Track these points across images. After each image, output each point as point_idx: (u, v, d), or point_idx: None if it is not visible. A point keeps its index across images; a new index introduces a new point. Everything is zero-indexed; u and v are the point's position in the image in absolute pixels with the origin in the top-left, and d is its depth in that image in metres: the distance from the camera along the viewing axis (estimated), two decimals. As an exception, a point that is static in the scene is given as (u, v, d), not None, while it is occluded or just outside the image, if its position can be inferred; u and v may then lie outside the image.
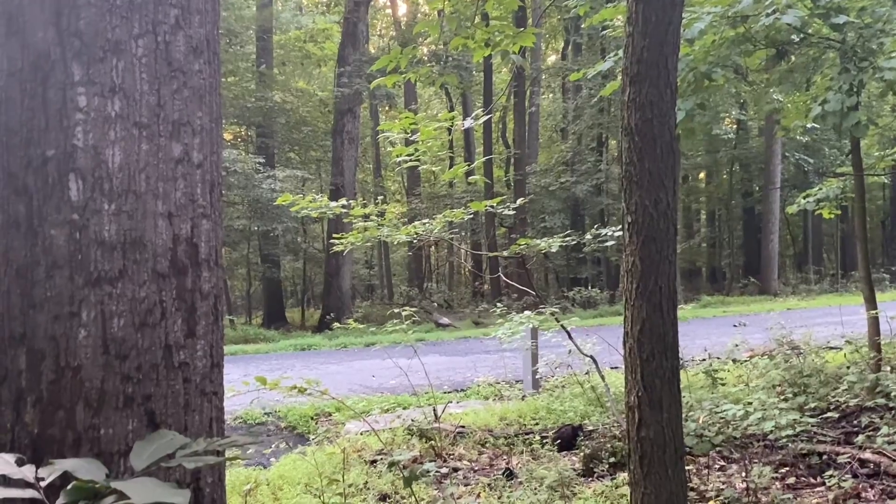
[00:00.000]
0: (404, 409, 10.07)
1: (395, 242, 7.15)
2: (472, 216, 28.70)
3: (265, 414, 10.89)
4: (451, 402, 10.84)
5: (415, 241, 7.34)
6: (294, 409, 10.67)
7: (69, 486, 1.73)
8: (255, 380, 4.10)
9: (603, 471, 6.41)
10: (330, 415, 10.84)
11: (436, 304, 28.77)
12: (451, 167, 37.85)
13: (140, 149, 2.14)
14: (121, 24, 2.16)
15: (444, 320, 23.95)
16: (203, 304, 2.25)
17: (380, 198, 7.88)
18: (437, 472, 3.84)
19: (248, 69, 28.25)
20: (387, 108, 36.80)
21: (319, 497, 4.48)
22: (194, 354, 2.23)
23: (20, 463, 1.76)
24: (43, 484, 1.71)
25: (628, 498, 3.23)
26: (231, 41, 27.19)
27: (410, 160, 5.97)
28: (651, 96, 2.89)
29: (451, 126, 6.05)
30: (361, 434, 8.77)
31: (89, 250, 2.11)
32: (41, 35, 2.15)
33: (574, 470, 6.37)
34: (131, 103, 2.14)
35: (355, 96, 24.40)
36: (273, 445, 7.38)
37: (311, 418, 10.63)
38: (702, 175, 42.53)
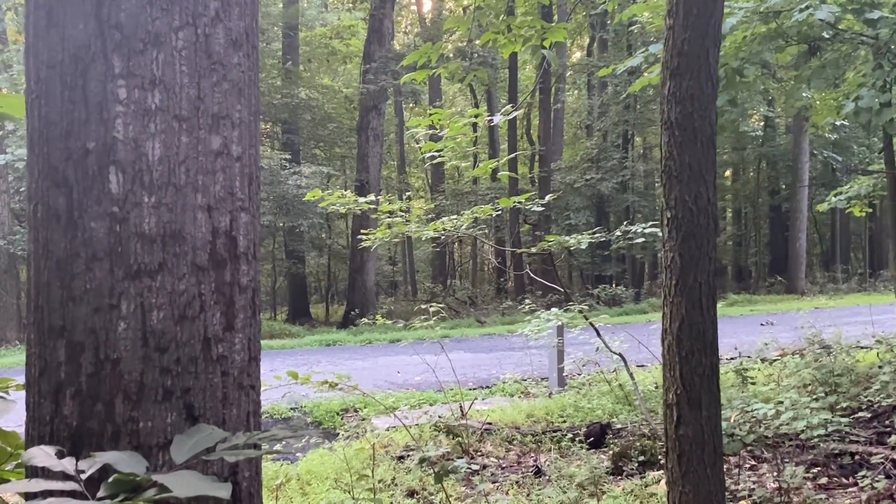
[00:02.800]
0: (431, 405, 10.09)
1: (422, 239, 7.13)
2: (497, 213, 28.69)
3: (291, 409, 10.94)
4: (477, 398, 10.82)
5: (441, 237, 7.32)
6: (321, 404, 10.71)
7: (110, 479, 1.72)
8: (287, 374, 4.10)
9: (632, 469, 6.36)
10: (357, 410, 10.87)
11: (459, 300, 28.75)
12: (475, 164, 37.90)
13: (180, 141, 2.13)
14: (161, 16, 2.15)
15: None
16: (241, 298, 2.24)
17: (407, 194, 7.84)
18: (466, 468, 3.82)
19: (274, 66, 28.37)
20: (411, 105, 36.79)
21: (349, 493, 4.47)
22: (232, 348, 2.21)
23: (60, 455, 1.76)
24: (83, 476, 1.70)
25: (661, 496, 3.20)
26: (258, 38, 27.28)
27: (439, 156, 5.95)
28: (692, 90, 2.85)
29: (478, 122, 6.01)
30: (388, 430, 8.78)
31: (129, 243, 2.10)
32: (81, 27, 2.15)
33: (603, 468, 6.33)
34: (171, 96, 2.13)
35: (381, 93, 24.42)
36: (302, 441, 7.39)
37: (338, 414, 10.67)
38: (728, 172, 42.18)
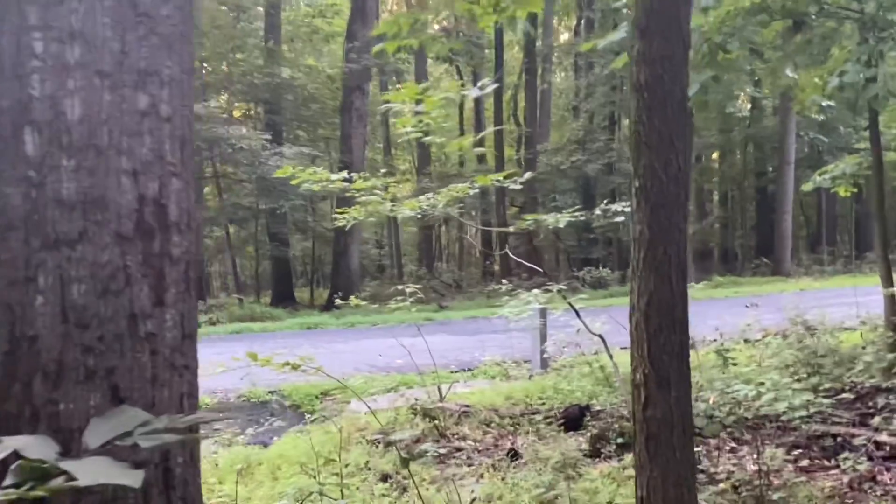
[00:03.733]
0: (409, 388, 9.95)
1: (400, 219, 6.96)
2: (481, 195, 28.36)
3: (269, 392, 10.78)
4: (459, 381, 10.70)
5: (420, 218, 7.15)
6: (299, 387, 10.57)
7: (13, 466, 1.56)
8: (246, 355, 3.94)
9: (610, 451, 6.25)
10: (335, 394, 10.73)
11: (444, 283, 28.63)
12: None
13: (102, 100, 1.96)
14: (80, -38, 1.98)
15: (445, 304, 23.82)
16: (173, 271, 2.08)
17: (381, 171, 7.67)
18: (439, 451, 3.69)
19: (255, 45, 28.00)
20: (397, 85, 36.46)
21: (315, 478, 4.34)
22: (163, 325, 2.05)
23: (-34, 440, 1.60)
24: (-7, 463, 1.55)
25: (634, 480, 3.07)
26: (239, 16, 26.94)
27: (415, 131, 5.77)
28: (662, 50, 2.69)
29: (460, 96, 5.84)
30: (366, 413, 8.65)
31: (46, 210, 1.94)
32: (-7, -24, 1.97)
33: (580, 451, 6.21)
34: (92, 50, 1.96)
35: (364, 73, 24.16)
36: (268, 423, 7.24)
37: (316, 397, 10.53)
38: (715, 155, 42.13)
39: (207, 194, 30.94)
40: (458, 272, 31.73)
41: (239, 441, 7.53)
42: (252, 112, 30.96)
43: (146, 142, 2.01)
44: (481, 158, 36.19)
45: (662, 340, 2.70)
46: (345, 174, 6.53)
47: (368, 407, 5.21)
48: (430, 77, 37.24)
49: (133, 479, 1.51)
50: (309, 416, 9.55)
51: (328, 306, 22.95)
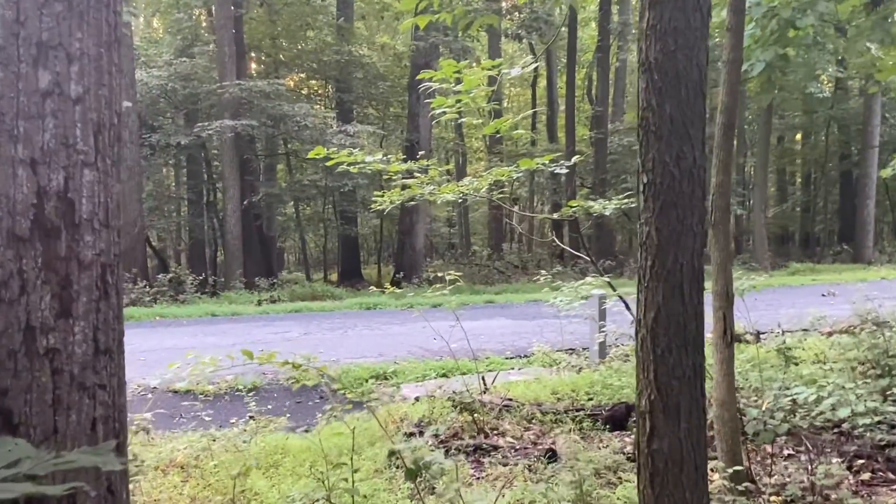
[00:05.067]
0: (463, 374, 9.66)
1: (438, 202, 6.63)
2: (552, 176, 27.78)
3: (319, 375, 10.63)
4: (513, 368, 10.38)
5: (460, 201, 6.81)
6: (349, 371, 10.38)
7: None
8: (241, 353, 3.69)
9: (657, 456, 5.84)
10: (387, 378, 10.52)
11: (510, 264, 28.22)
12: (534, 126, 36.93)
13: (-8, 77, 1.68)
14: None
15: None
16: (84, 276, 1.79)
17: (420, 153, 7.38)
18: (440, 464, 3.39)
19: (327, 23, 27.88)
20: (472, 64, 35.95)
21: (323, 483, 4.07)
22: (69, 339, 1.78)
23: None
24: None
25: None
26: (311, -7, 26.86)
27: (451, 111, 5.42)
28: (675, 21, 2.28)
29: (494, 74, 5.46)
30: (416, 400, 8.41)
31: (-73, 206, 1.67)
32: None
33: (623, 453, 5.82)
34: (-22, 18, 1.68)
35: (432, 50, 23.81)
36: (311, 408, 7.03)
37: (365, 381, 10.32)
38: (798, 136, 40.56)
39: (279, 171, 31.16)
40: (525, 253, 31.20)
41: (280, 423, 7.37)
42: (322, 90, 30.95)
43: (48, 126, 1.73)
44: (553, 137, 35.54)
45: (672, 363, 2.30)
46: (380, 155, 6.22)
47: (371, 401, 4.89)
48: (503, 54, 36.67)
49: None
50: (358, 401, 9.35)
51: (394, 284, 22.85)
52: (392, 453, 3.94)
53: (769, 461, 5.58)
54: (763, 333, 10.87)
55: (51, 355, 1.74)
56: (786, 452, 5.93)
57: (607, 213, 5.66)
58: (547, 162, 5.92)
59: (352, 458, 4.27)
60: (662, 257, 2.28)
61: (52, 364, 1.75)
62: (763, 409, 5.29)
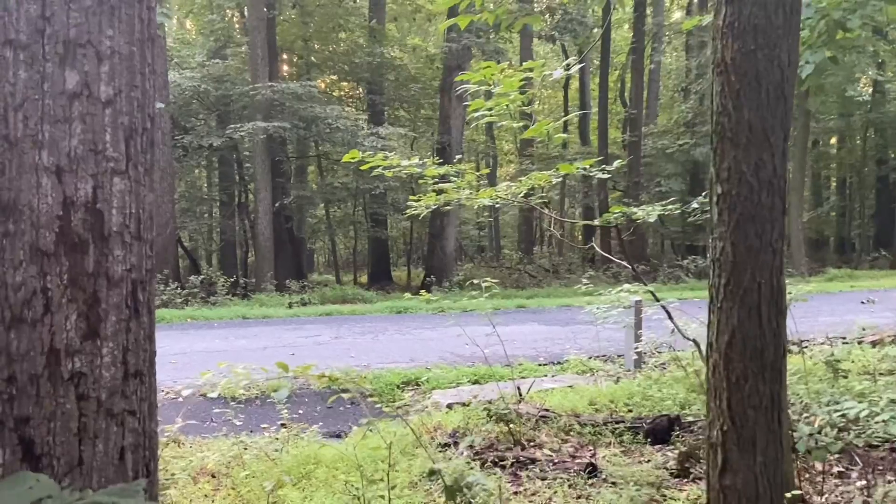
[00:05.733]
0: (497, 381, 9.50)
1: (475, 207, 6.47)
2: (583, 178, 27.63)
3: (350, 381, 10.52)
4: (547, 375, 10.20)
5: (496, 205, 6.65)
6: (381, 376, 10.27)
7: None
8: (276, 366, 3.55)
9: (700, 472, 5.61)
10: (418, 384, 10.40)
11: (541, 268, 27.98)
12: (565, 128, 36.68)
13: (16, 77, 1.54)
14: None
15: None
16: (113, 294, 1.65)
17: (457, 157, 7.24)
18: (482, 485, 3.24)
19: (359, 24, 27.86)
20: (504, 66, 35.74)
21: (359, 500, 3.93)
22: (96, 361, 1.63)
23: None
24: None
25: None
26: (343, -5, 26.85)
27: (489, 115, 5.26)
28: (755, 18, 2.10)
29: (540, 77, 5.29)
30: (449, 408, 8.26)
31: (-56, 218, 1.54)
32: None
33: (666, 469, 5.62)
34: (1, 13, 1.54)
35: (464, 52, 23.66)
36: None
37: (398, 387, 10.20)
38: (833, 140, 39.88)
39: (310, 173, 31.18)
40: (557, 257, 30.92)
41: (313, 431, 7.25)
42: (354, 92, 30.93)
43: (76, 131, 1.59)
44: (585, 140, 35.23)
45: (748, 391, 2.12)
46: (416, 160, 6.08)
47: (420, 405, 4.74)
48: (535, 56, 36.44)
49: None
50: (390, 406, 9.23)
51: (422, 289, 22.71)
52: (432, 472, 3.79)
53: (819, 479, 5.36)
54: (805, 341, 10.60)
55: (76, 380, 1.60)
56: (836, 470, 5.69)
57: (651, 220, 5.45)
58: (588, 167, 5.73)
59: (388, 474, 4.11)
60: (738, 275, 2.09)
61: (78, 389, 1.61)
62: (816, 424, 5.08)
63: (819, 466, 5.61)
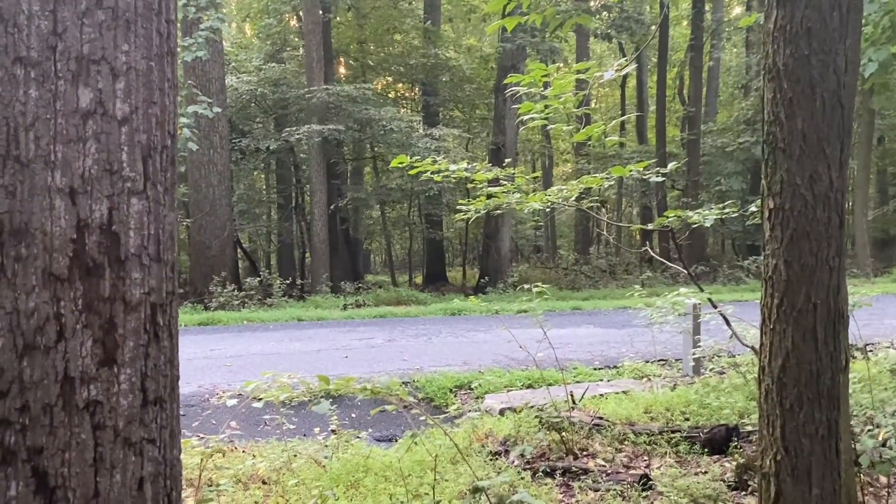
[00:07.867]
0: (550, 385, 9.36)
1: (524, 211, 6.35)
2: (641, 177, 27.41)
3: (403, 383, 10.47)
4: (602, 380, 10.02)
5: (548, 209, 6.52)
6: (433, 380, 10.20)
7: None
8: (317, 378, 3.50)
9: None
10: (471, 388, 10.30)
11: (597, 269, 27.64)
12: (622, 126, 36.24)
13: (27, 96, 1.49)
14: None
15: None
16: (130, 318, 1.59)
17: (507, 161, 7.11)
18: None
19: (414, 26, 27.88)
20: (560, 65, 35.48)
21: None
22: (112, 389, 1.57)
23: None
24: None
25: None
26: (399, -3, 26.91)
27: (538, 118, 5.15)
28: (809, 21, 1.95)
29: (591, 79, 5.16)
30: (500, 414, 8.17)
31: (-47, 242, 1.49)
32: None
33: (724, 480, 5.44)
34: (11, 30, 1.49)
35: (518, 52, 23.50)
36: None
37: (450, 390, 10.12)
38: (897, 135, 38.69)
39: (366, 174, 31.34)
40: (613, 257, 30.53)
41: (362, 437, 7.21)
42: (409, 94, 30.99)
43: (90, 150, 1.53)
44: (642, 139, 34.75)
45: (802, 419, 1.97)
46: (464, 164, 5.98)
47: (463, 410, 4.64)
48: (591, 54, 36.07)
49: None
50: (442, 409, 9.17)
51: (477, 290, 22.61)
52: (477, 490, 3.69)
53: (885, 493, 5.13)
54: (869, 345, 10.23)
55: (92, 408, 1.55)
56: (903, 484, 5.44)
57: (707, 225, 5.27)
58: (641, 169, 5.57)
59: (433, 488, 4.03)
60: (792, 295, 1.95)
61: (94, 418, 1.55)
62: (880, 437, 4.85)
63: (884, 480, 5.37)
